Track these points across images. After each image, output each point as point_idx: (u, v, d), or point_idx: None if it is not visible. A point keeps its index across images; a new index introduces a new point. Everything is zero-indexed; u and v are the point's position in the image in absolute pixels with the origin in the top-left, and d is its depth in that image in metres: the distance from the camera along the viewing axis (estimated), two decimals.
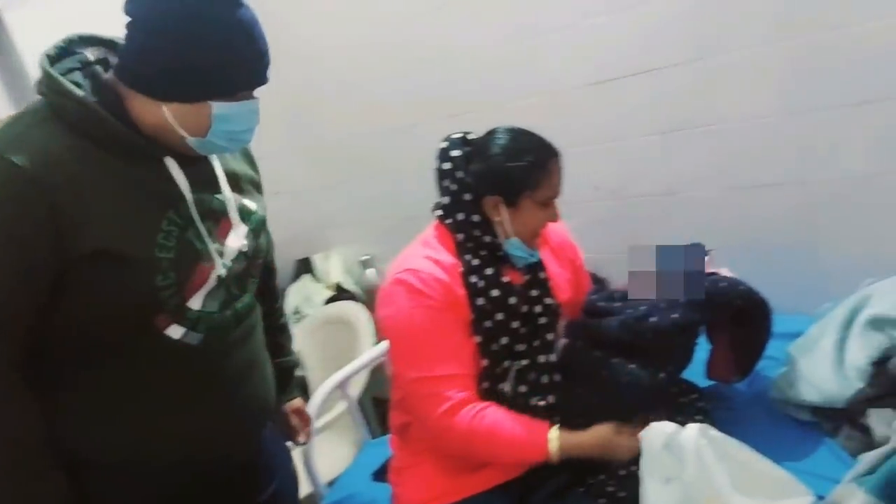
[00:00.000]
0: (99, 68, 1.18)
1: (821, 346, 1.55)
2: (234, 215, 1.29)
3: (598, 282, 1.86)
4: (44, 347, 1.14)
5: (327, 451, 2.35)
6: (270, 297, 1.60)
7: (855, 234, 1.95)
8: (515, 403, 1.49)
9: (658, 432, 1.26)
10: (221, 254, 1.25)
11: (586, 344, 1.58)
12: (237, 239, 1.29)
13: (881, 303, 1.49)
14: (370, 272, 3.19)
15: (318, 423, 1.97)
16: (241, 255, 1.29)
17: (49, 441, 1.16)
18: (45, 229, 1.06)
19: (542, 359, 1.52)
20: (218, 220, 1.26)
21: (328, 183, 3.18)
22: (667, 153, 2.22)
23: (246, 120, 1.20)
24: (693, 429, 1.24)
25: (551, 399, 1.51)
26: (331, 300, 3.17)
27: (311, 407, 1.96)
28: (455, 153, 1.53)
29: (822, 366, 1.50)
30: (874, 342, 1.43)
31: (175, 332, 1.18)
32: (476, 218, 1.51)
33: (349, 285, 3.25)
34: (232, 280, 1.27)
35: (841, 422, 1.47)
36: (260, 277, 1.43)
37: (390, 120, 2.87)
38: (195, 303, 1.20)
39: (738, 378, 1.66)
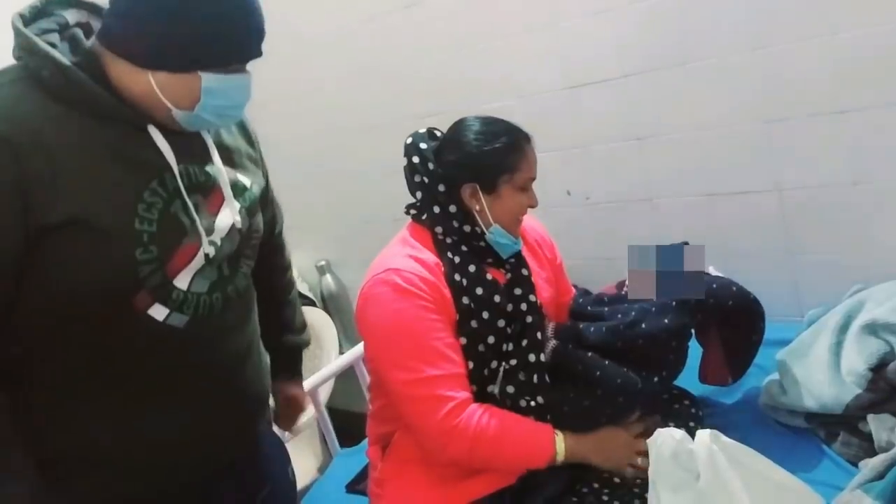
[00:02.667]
0: (79, 31, 1.09)
1: (815, 352, 1.54)
2: (226, 189, 1.20)
3: (582, 290, 1.84)
4: (13, 331, 1.04)
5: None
6: (278, 272, 1.54)
7: (832, 242, 1.96)
8: (503, 405, 1.44)
9: (667, 439, 1.22)
10: (211, 230, 1.16)
11: (577, 346, 1.53)
12: (229, 215, 1.20)
13: (877, 308, 1.50)
14: (327, 278, 3.11)
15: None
16: (235, 232, 1.21)
17: (19, 437, 1.05)
18: (12, 194, 0.97)
19: (531, 357, 1.46)
20: (206, 194, 1.17)
21: (281, 186, 3.07)
22: (642, 159, 2.20)
23: (236, 95, 1.13)
24: (705, 435, 1.20)
25: (540, 400, 1.45)
26: None
27: None
28: (423, 146, 1.50)
29: (818, 372, 1.49)
30: (871, 347, 1.43)
31: (158, 312, 1.10)
32: (453, 209, 1.48)
33: (305, 291, 3.15)
34: (223, 260, 1.19)
35: (837, 428, 1.46)
36: (264, 255, 1.36)
37: (351, 120, 2.81)
38: (181, 282, 1.11)
39: (732, 380, 1.63)
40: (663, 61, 2.07)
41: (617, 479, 1.46)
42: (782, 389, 1.55)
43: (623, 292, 1.68)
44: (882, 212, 1.87)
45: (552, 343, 1.50)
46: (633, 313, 1.51)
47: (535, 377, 1.45)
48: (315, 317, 2.77)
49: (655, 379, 1.48)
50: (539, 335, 1.49)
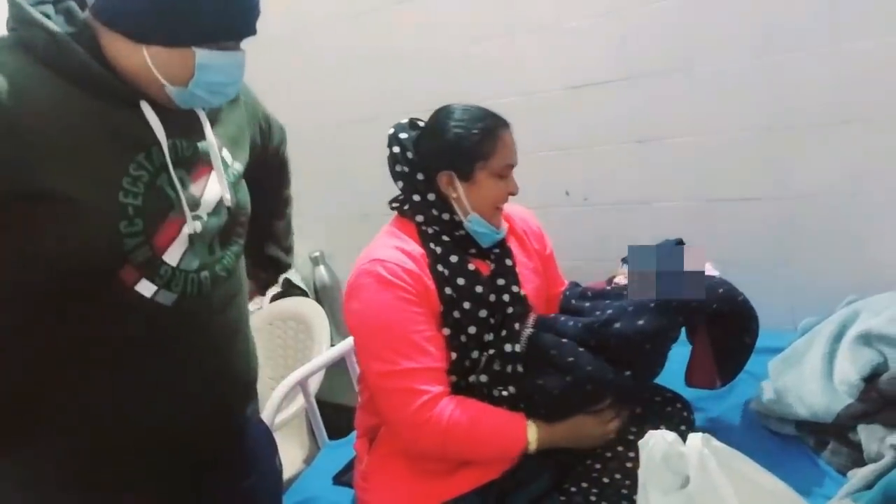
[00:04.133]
0: (73, 4, 1.08)
1: (808, 360, 1.54)
2: (216, 163, 1.19)
3: (573, 283, 1.82)
4: None
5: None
6: (278, 184, 1.60)
7: (828, 252, 1.96)
8: (480, 394, 1.45)
9: (659, 441, 1.21)
10: (196, 205, 1.15)
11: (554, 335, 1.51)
12: (217, 190, 1.19)
13: (871, 318, 1.50)
14: (321, 269, 3.09)
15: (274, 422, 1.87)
16: (223, 207, 1.20)
17: None
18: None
19: (507, 348, 1.46)
20: (191, 168, 1.16)
21: None
22: (642, 162, 2.20)
23: (230, 72, 1.12)
24: (696, 438, 1.20)
25: (512, 389, 1.45)
26: (278, 296, 3.05)
27: (270, 405, 1.87)
28: (403, 136, 1.51)
29: (810, 380, 1.49)
30: (864, 358, 1.43)
31: (146, 289, 1.09)
32: (432, 197, 1.49)
33: (298, 282, 3.14)
34: (213, 237, 1.19)
35: (827, 437, 1.46)
36: (271, 166, 1.43)
37: (349, 112, 2.80)
38: (171, 258, 1.11)
39: (720, 385, 1.59)
40: (667, 65, 2.08)
41: (606, 479, 1.46)
42: (774, 396, 1.55)
43: (609, 288, 1.67)
44: (880, 224, 1.88)
45: (528, 332, 1.49)
46: (610, 312, 1.48)
47: (509, 367, 1.46)
48: (307, 308, 2.76)
49: (627, 373, 1.44)
50: (517, 326, 1.49)
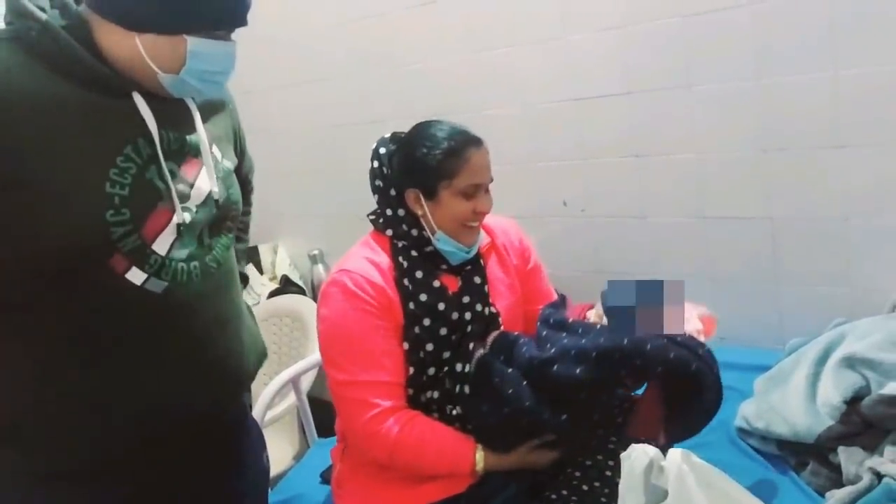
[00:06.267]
0: (70, 0, 1.11)
1: (793, 380, 1.56)
2: (206, 156, 1.22)
3: (560, 298, 1.81)
4: None
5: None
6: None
7: (819, 274, 1.98)
8: (433, 410, 1.48)
9: (640, 455, 1.23)
10: (186, 197, 1.18)
11: (506, 359, 1.47)
12: (206, 183, 1.22)
13: (857, 342, 1.52)
14: (319, 268, 3.12)
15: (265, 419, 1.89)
16: (211, 200, 1.23)
17: None
18: None
19: (458, 367, 1.48)
20: (181, 161, 1.19)
21: (281, 173, 3.09)
22: (639, 176, 2.22)
23: (222, 61, 1.16)
24: (676, 454, 1.21)
25: (458, 410, 1.48)
26: (274, 293, 3.08)
27: (261, 401, 1.89)
28: (383, 150, 1.53)
29: (793, 401, 1.51)
30: (848, 381, 1.45)
31: (136, 276, 1.11)
32: (402, 213, 1.51)
33: (296, 279, 3.16)
34: (203, 229, 1.21)
35: (807, 457, 1.48)
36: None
37: (352, 113, 2.83)
38: (160, 247, 1.13)
39: (664, 442, 1.36)
40: (667, 82, 2.10)
41: (585, 487, 1.47)
42: (757, 415, 1.57)
43: (576, 320, 1.55)
44: (870, 249, 1.89)
45: (479, 353, 1.48)
46: (553, 351, 1.41)
47: (458, 387, 1.47)
48: (303, 305, 2.79)
49: (564, 416, 1.40)
50: (471, 345, 1.49)
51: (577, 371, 1.36)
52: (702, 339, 1.40)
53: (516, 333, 1.53)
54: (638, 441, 1.38)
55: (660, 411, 1.41)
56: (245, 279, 1.53)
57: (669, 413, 1.40)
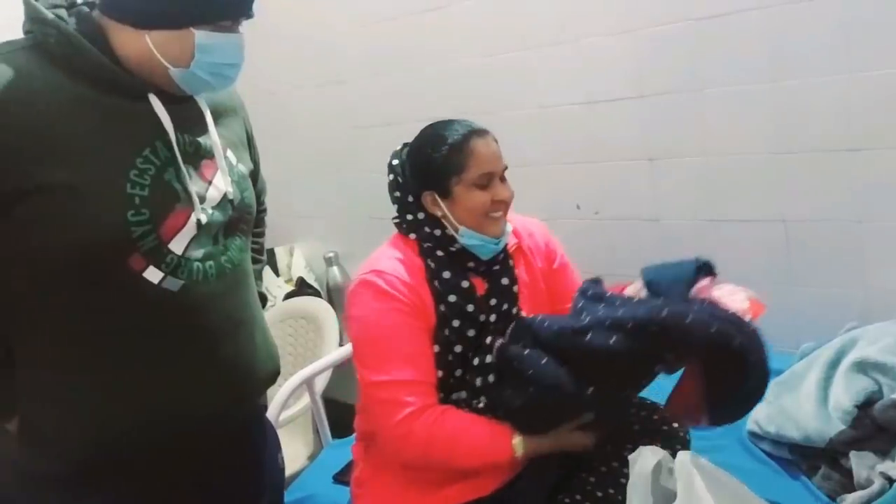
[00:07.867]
0: (85, 8, 1.15)
1: (805, 385, 1.56)
2: (220, 159, 1.25)
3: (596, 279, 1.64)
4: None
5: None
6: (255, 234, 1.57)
7: (832, 278, 1.97)
8: (461, 408, 1.47)
9: (649, 457, 1.24)
10: (203, 198, 1.21)
11: (526, 343, 1.44)
12: (222, 184, 1.25)
13: (868, 347, 1.51)
14: (334, 270, 3.13)
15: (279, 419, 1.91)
16: (226, 202, 1.25)
17: None
18: (6, 152, 1.03)
19: (476, 361, 1.48)
20: (198, 163, 1.23)
21: (297, 174, 3.12)
22: (653, 179, 2.22)
23: (230, 53, 1.18)
24: (685, 456, 1.22)
25: (484, 402, 1.47)
26: (290, 295, 3.10)
27: (276, 402, 1.91)
28: (396, 162, 1.55)
29: (805, 405, 1.50)
30: (859, 385, 1.45)
31: (153, 275, 1.14)
32: (421, 216, 1.51)
33: (311, 281, 3.18)
34: (218, 230, 1.24)
35: (819, 462, 1.47)
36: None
37: (369, 116, 2.84)
38: (177, 247, 1.16)
39: (707, 424, 1.34)
40: (681, 85, 2.09)
41: (599, 493, 1.47)
42: (769, 419, 1.56)
43: (615, 293, 1.50)
44: (884, 252, 1.88)
45: (498, 341, 1.48)
46: (588, 319, 1.35)
47: (479, 380, 1.47)
48: (318, 307, 2.81)
49: (590, 389, 1.34)
50: (489, 339, 1.49)
51: (612, 341, 1.29)
52: (747, 319, 1.30)
53: (531, 316, 1.50)
54: (677, 420, 1.43)
55: (701, 389, 1.30)
56: (263, 299, 1.55)
57: (712, 393, 1.29)
